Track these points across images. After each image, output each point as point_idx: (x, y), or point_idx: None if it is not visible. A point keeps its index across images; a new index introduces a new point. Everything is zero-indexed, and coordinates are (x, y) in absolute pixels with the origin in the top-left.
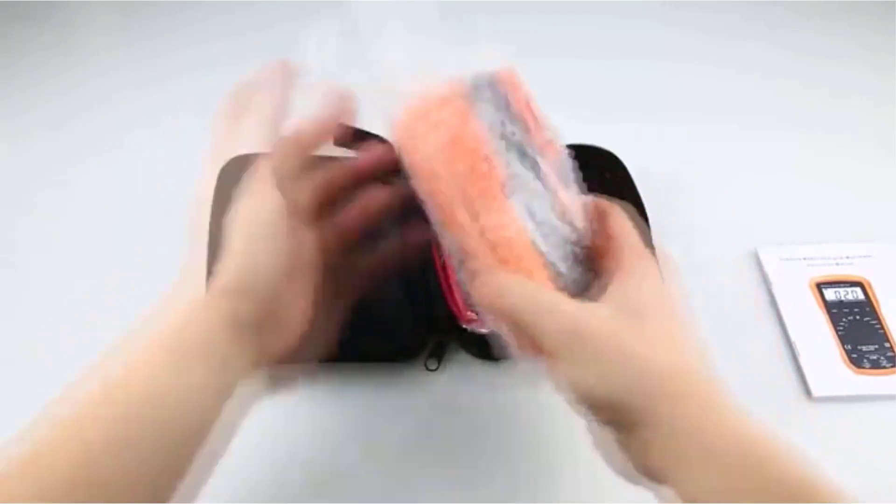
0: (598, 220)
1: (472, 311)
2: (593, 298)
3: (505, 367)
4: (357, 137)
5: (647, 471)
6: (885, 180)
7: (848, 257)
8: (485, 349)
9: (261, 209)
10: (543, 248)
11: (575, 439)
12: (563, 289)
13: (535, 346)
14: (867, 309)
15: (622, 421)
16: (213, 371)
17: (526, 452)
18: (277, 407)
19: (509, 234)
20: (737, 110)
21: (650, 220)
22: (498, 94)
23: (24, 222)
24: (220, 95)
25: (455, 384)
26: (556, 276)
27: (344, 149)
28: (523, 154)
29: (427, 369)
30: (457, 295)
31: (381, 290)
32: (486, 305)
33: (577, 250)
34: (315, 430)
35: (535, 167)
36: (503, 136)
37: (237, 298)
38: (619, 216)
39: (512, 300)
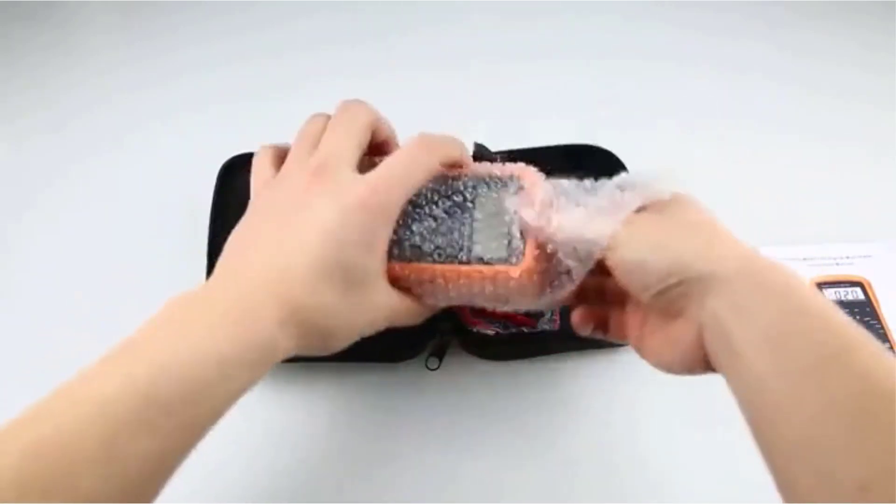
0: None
1: (475, 313)
2: None
3: (505, 368)
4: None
5: (697, 351)
6: (885, 180)
7: (848, 257)
8: (486, 349)
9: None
10: None
11: (575, 439)
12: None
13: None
14: (867, 309)
15: (676, 285)
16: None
17: (526, 452)
18: (277, 406)
19: None
20: (736, 110)
21: None
22: None
23: (24, 222)
24: (220, 95)
25: (456, 384)
26: None
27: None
28: None
29: (428, 369)
30: None
31: None
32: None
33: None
34: (315, 430)
35: None
36: None
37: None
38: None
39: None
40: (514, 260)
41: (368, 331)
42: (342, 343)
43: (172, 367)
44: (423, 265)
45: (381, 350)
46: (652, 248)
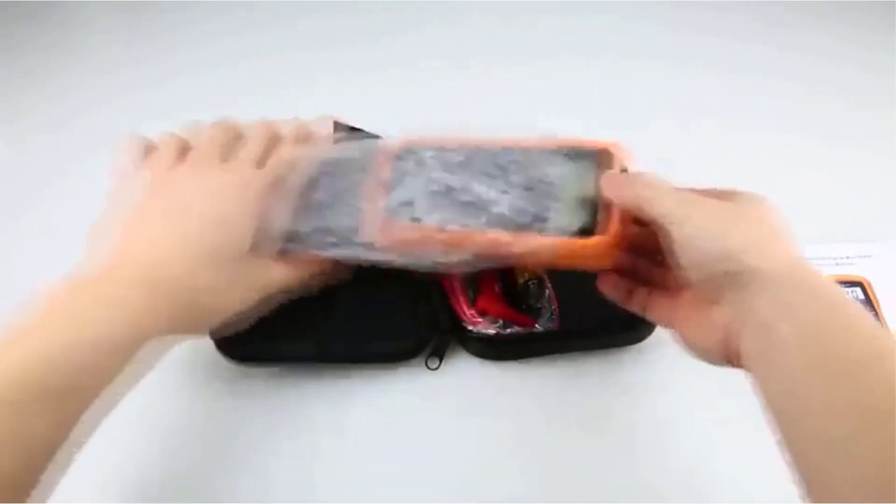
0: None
1: (475, 312)
2: None
3: (505, 368)
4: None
5: (727, 341)
6: (886, 180)
7: (848, 257)
8: (486, 349)
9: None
10: None
11: (575, 439)
12: None
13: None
14: (867, 309)
15: (725, 272)
16: (119, 325)
17: (527, 452)
18: (277, 406)
19: None
20: (737, 110)
21: None
22: None
23: (24, 222)
24: (220, 95)
25: (456, 383)
26: None
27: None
28: None
29: (428, 368)
30: (460, 296)
31: (381, 290)
32: (617, 196)
33: None
34: (315, 429)
35: None
36: None
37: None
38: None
39: (638, 190)
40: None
41: (243, 306)
42: (216, 318)
43: (57, 356)
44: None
45: (382, 350)
46: (715, 231)
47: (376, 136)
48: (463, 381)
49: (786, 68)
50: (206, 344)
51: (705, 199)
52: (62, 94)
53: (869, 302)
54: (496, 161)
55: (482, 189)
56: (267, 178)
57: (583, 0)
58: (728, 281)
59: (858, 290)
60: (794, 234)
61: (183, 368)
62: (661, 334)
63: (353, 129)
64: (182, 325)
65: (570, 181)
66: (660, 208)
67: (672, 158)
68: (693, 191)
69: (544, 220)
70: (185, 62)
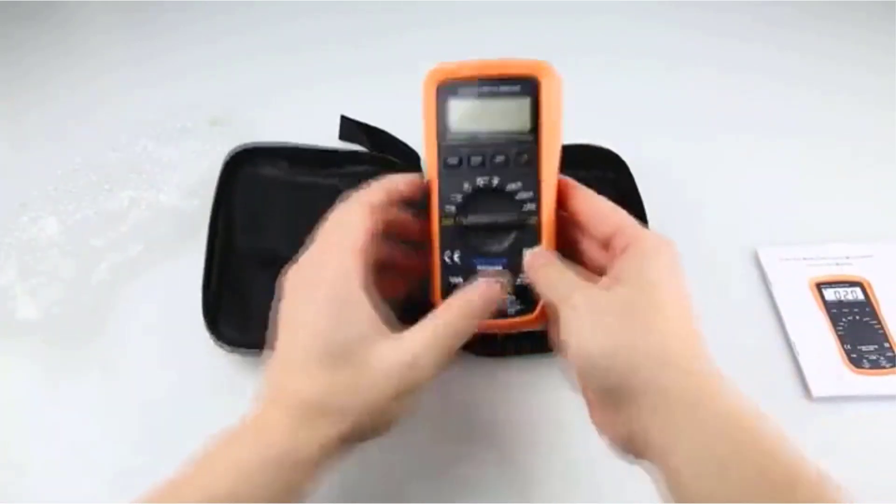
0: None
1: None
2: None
3: (507, 365)
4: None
5: (632, 444)
6: (885, 180)
7: (848, 257)
8: (485, 347)
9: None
10: None
11: (576, 438)
12: None
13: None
14: (867, 309)
15: (617, 387)
16: (317, 481)
17: (528, 451)
18: None
19: None
20: (737, 110)
21: (651, 220)
22: None
23: (23, 222)
24: (220, 95)
25: (458, 382)
26: None
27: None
28: None
29: None
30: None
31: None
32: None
33: None
34: None
35: None
36: None
37: (334, 421)
38: (606, 204)
39: (540, 272)
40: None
41: (398, 392)
42: (388, 417)
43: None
44: None
45: None
46: (601, 351)
47: (382, 131)
48: (465, 378)
49: (785, 68)
50: (205, 335)
51: (596, 287)
52: (62, 94)
53: (869, 302)
54: None
55: None
56: None
57: (585, 0)
58: (618, 396)
59: (858, 290)
60: (696, 318)
61: (182, 362)
62: None
63: (360, 124)
64: (349, 434)
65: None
66: (552, 298)
67: (673, 158)
68: (586, 279)
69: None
70: (185, 62)
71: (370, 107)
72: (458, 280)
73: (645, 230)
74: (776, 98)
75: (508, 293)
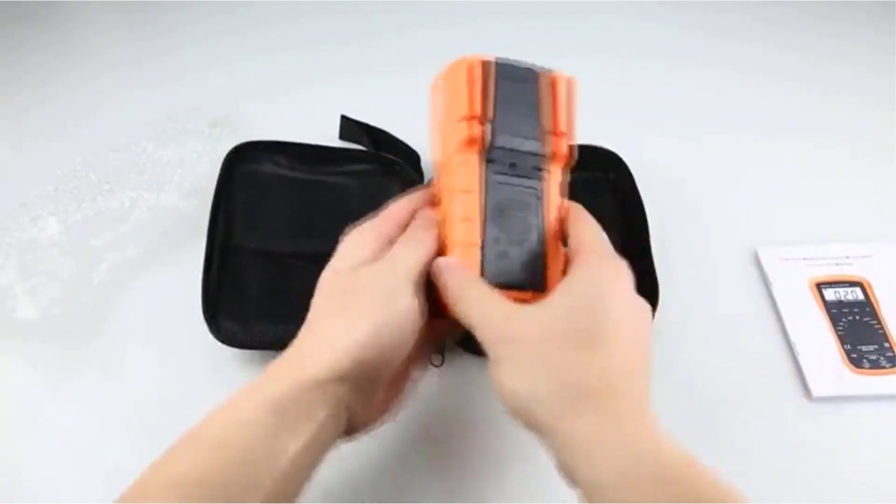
0: (568, 222)
1: None
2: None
3: None
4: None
5: (564, 473)
6: (885, 180)
7: (848, 257)
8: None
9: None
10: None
11: None
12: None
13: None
14: (867, 309)
15: (539, 427)
16: (310, 443)
17: (530, 449)
18: None
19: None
20: (737, 111)
21: (651, 220)
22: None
23: (23, 221)
24: (220, 95)
25: (459, 380)
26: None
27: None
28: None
29: (432, 365)
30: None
31: None
32: (449, 309)
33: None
34: None
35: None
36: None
37: (343, 385)
38: (585, 219)
39: (461, 307)
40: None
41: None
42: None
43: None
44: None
45: None
46: (523, 380)
47: (382, 131)
48: (467, 377)
49: (785, 68)
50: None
51: (520, 328)
52: (63, 95)
53: (869, 302)
54: None
55: None
56: None
57: (583, 0)
58: (534, 425)
59: (858, 290)
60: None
61: (181, 362)
62: (660, 328)
63: (360, 124)
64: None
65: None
66: (479, 338)
67: (673, 159)
68: (508, 297)
69: None
70: (185, 62)
71: (370, 107)
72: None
73: (601, 249)
74: (776, 98)
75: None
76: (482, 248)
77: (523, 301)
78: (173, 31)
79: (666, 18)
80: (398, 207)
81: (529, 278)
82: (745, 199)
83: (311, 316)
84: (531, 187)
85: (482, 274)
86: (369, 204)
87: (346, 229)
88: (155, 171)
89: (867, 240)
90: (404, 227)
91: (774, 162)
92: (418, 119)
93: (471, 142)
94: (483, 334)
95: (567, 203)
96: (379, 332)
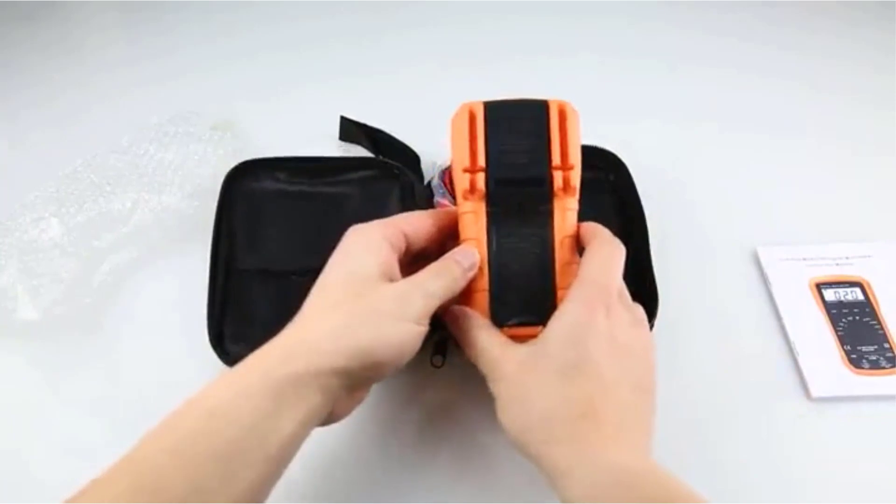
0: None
1: None
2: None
3: None
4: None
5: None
6: (885, 180)
7: (847, 257)
8: None
9: (388, 289)
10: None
11: None
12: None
13: None
14: (867, 309)
15: (530, 457)
16: (302, 424)
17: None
18: None
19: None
20: (737, 111)
21: (650, 220)
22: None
23: (23, 221)
24: (220, 95)
25: (460, 380)
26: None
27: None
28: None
29: (432, 365)
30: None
31: None
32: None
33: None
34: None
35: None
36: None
37: (339, 380)
38: (595, 250)
39: (471, 353)
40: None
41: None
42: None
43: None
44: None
45: None
46: (508, 418)
47: (382, 132)
48: (467, 377)
49: (785, 68)
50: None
51: (506, 368)
52: (62, 93)
53: (868, 302)
54: None
55: None
56: None
57: (583, 0)
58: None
59: (858, 290)
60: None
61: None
62: (660, 328)
63: (359, 125)
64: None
65: None
66: (483, 367)
67: (672, 159)
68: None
69: None
70: (185, 62)
71: (370, 107)
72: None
73: (596, 282)
74: (776, 98)
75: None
76: (490, 292)
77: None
78: (173, 31)
79: (666, 18)
80: (412, 221)
81: (539, 313)
82: (745, 198)
83: (313, 302)
84: (539, 224)
85: (492, 317)
86: (370, 210)
87: (353, 229)
88: (156, 172)
89: (867, 240)
90: (417, 238)
91: (774, 162)
92: (418, 120)
93: (472, 191)
94: (487, 377)
95: (583, 227)
96: (381, 345)
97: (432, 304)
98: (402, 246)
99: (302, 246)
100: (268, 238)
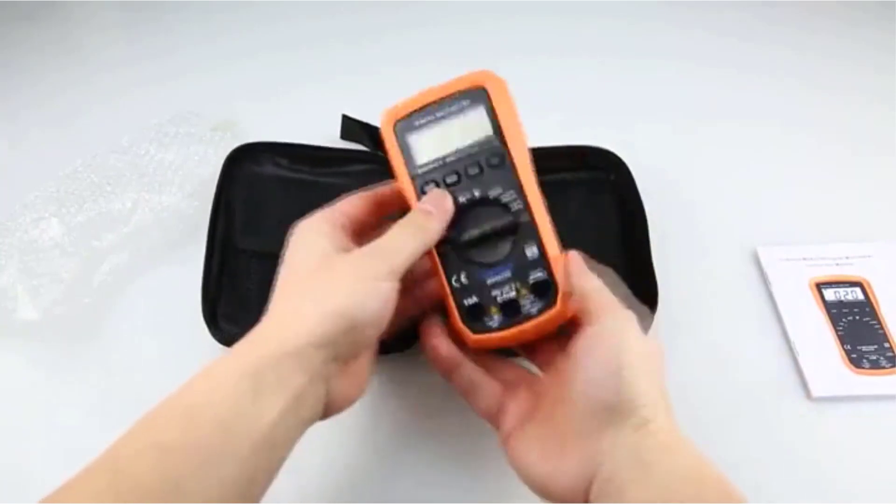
0: (569, 277)
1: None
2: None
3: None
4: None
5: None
6: (885, 180)
7: (848, 257)
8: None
9: (363, 266)
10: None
11: None
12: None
13: None
14: (867, 309)
15: (612, 422)
16: (288, 410)
17: None
18: None
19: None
20: (737, 110)
21: (651, 220)
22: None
23: (23, 221)
24: (220, 95)
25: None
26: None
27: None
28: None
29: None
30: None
31: None
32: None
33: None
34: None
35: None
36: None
37: (321, 352)
38: (585, 275)
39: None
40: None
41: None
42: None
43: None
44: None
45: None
46: (634, 365)
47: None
48: None
49: (785, 67)
50: (206, 337)
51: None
52: (62, 93)
53: (868, 302)
54: None
55: None
56: None
57: (583, 0)
58: (608, 420)
59: (858, 290)
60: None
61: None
62: (660, 328)
63: (361, 123)
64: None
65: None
66: (595, 306)
67: (672, 158)
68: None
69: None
70: (185, 62)
71: (371, 106)
72: (473, 300)
73: (609, 301)
74: (777, 98)
75: (526, 292)
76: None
77: (541, 330)
78: (173, 31)
79: (666, 18)
80: (350, 202)
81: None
82: (745, 198)
83: (279, 294)
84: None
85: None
86: None
87: (297, 225)
88: (157, 172)
89: (867, 240)
90: (358, 219)
91: (774, 162)
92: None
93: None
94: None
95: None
96: (354, 305)
97: (401, 259)
98: (346, 223)
99: None
100: (266, 221)
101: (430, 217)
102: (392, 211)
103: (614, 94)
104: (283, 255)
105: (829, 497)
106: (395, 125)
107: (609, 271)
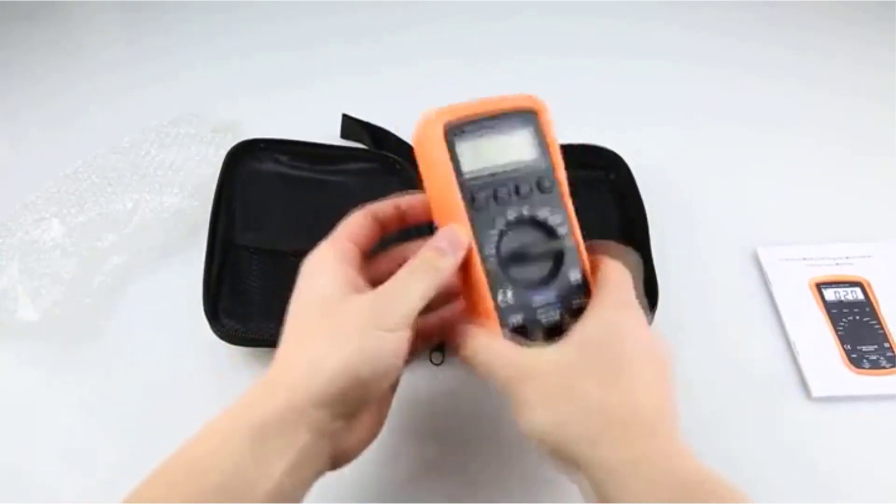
0: (592, 269)
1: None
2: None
3: None
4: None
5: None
6: (885, 180)
7: (848, 257)
8: None
9: (359, 313)
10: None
11: None
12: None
13: None
14: (867, 309)
15: (573, 459)
16: (293, 467)
17: (529, 449)
18: None
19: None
20: (737, 110)
21: (651, 220)
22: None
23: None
24: (220, 95)
25: (459, 378)
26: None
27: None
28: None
29: (432, 363)
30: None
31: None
32: (465, 363)
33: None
34: None
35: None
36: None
37: (327, 411)
38: (608, 267)
39: (480, 358)
40: None
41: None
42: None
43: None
44: None
45: None
46: (545, 415)
47: (384, 129)
48: (465, 375)
49: (785, 67)
50: (206, 337)
51: (534, 364)
52: (62, 93)
53: (868, 302)
54: None
55: None
56: None
57: (583, 0)
58: (564, 459)
59: (858, 290)
60: (637, 372)
61: (183, 364)
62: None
63: (361, 122)
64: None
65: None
66: (497, 384)
67: (673, 158)
68: (526, 348)
69: None
70: (185, 62)
71: (372, 106)
72: (519, 319)
73: (623, 290)
74: (777, 97)
75: (569, 317)
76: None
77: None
78: (173, 31)
79: (666, 18)
80: (357, 223)
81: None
82: (745, 198)
83: (287, 338)
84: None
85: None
86: (369, 202)
87: (306, 259)
88: (157, 173)
89: (867, 240)
90: (366, 244)
91: (775, 161)
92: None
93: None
94: (504, 379)
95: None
96: (361, 361)
97: (411, 306)
98: (355, 253)
99: (301, 228)
100: (267, 217)
101: (443, 256)
102: (397, 229)
103: (614, 93)
104: (294, 289)
105: (829, 497)
106: (446, 129)
107: (634, 259)
